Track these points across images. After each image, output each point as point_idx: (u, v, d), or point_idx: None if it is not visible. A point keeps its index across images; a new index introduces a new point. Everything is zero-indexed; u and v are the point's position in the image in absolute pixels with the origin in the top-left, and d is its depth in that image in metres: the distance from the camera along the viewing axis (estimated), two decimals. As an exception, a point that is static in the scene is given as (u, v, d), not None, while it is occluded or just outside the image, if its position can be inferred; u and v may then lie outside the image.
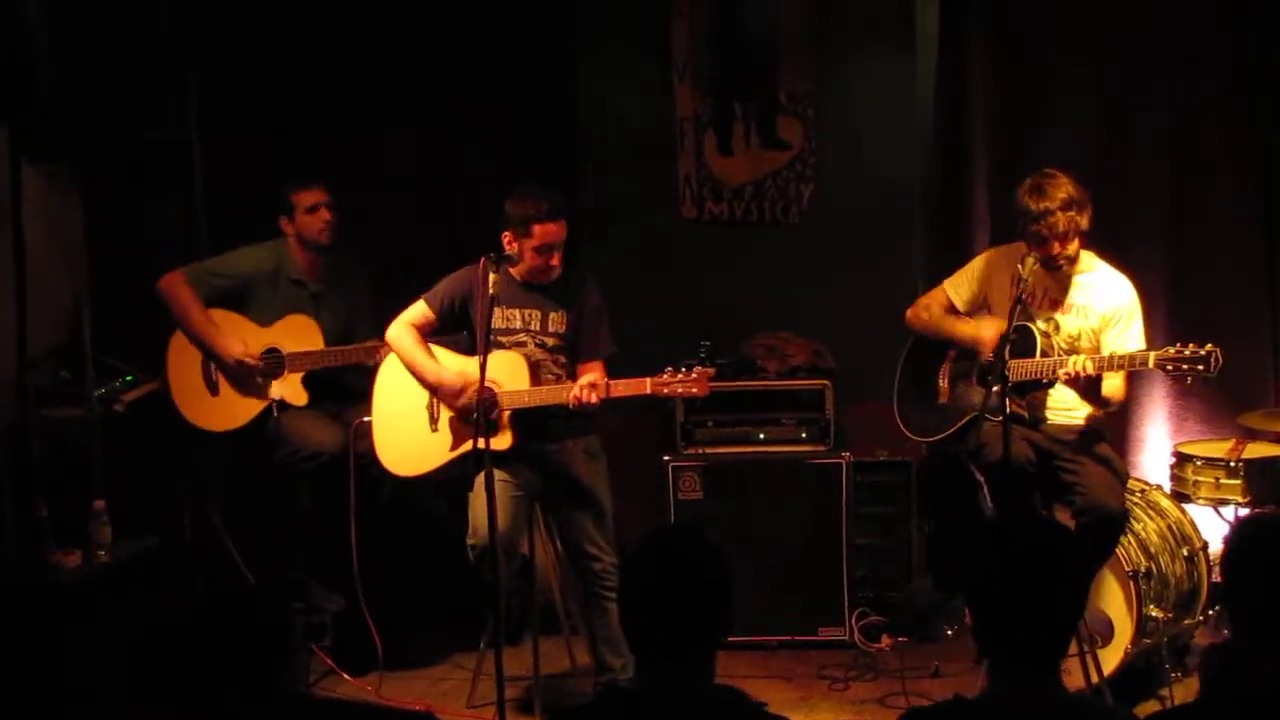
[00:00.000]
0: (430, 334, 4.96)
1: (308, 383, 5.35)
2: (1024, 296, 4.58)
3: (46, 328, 5.34)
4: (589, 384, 4.65)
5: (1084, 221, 4.68)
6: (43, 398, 5.23)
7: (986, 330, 4.88)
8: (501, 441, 4.69)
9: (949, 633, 5.58)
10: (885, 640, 5.57)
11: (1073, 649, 4.56)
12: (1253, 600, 2.76)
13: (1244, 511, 5.06)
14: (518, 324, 4.85)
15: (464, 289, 4.87)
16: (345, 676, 5.26)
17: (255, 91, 6.00)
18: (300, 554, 5.40)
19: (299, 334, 5.38)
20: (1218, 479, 5.11)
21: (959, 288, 5.05)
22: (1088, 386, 4.64)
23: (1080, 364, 4.53)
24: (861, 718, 5.01)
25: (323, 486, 5.26)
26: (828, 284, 6.19)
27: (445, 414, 4.91)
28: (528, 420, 4.77)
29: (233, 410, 5.37)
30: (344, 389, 5.35)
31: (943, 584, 5.71)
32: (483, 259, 4.62)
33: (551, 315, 4.87)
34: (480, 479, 4.49)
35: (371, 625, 5.16)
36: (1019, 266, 4.61)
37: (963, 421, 4.88)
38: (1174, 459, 5.35)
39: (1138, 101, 5.84)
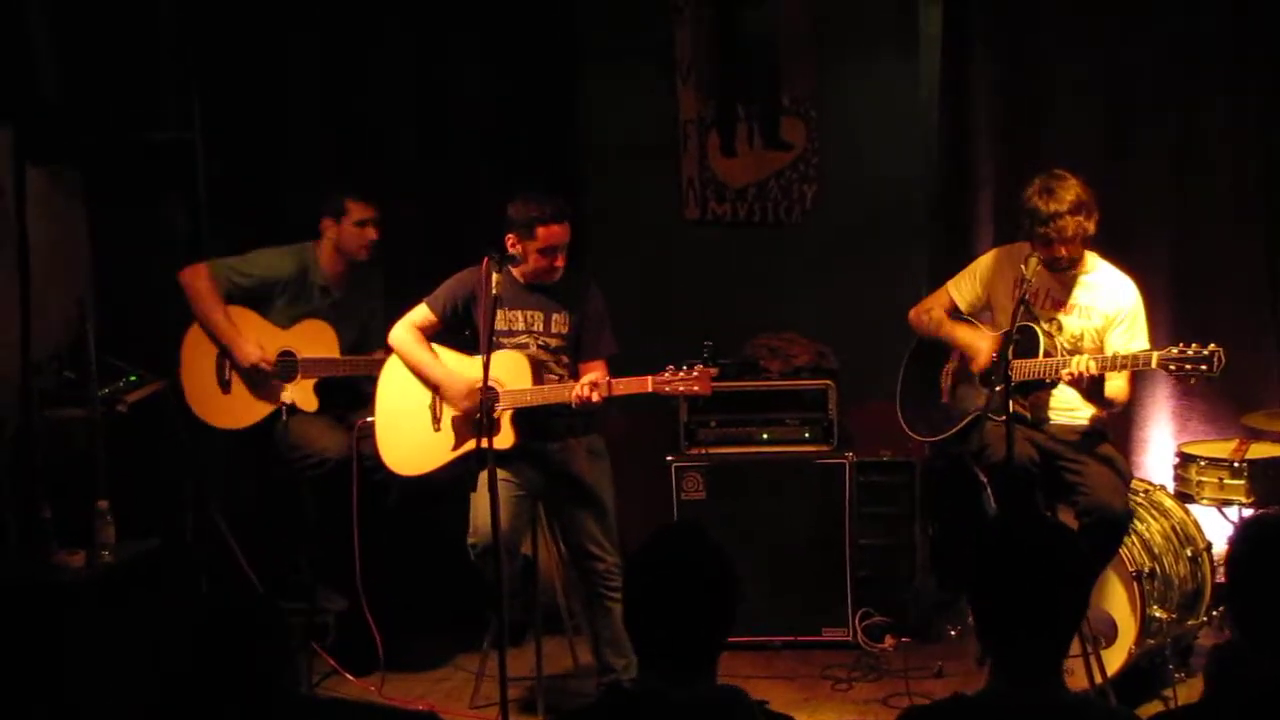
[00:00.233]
0: (432, 336, 4.96)
1: (319, 389, 5.36)
2: (1027, 297, 4.58)
3: (50, 329, 5.34)
4: (591, 382, 4.65)
5: (1091, 226, 4.68)
6: (46, 398, 5.23)
7: (982, 342, 4.88)
8: (503, 440, 4.69)
9: (952, 633, 5.58)
10: (888, 640, 5.57)
11: (1077, 649, 4.57)
12: (1257, 601, 2.76)
13: (1248, 512, 5.06)
14: (520, 325, 4.85)
15: (466, 291, 4.87)
16: (348, 677, 5.27)
17: (257, 93, 6.01)
18: (303, 555, 5.40)
19: (315, 339, 5.38)
20: (1221, 479, 5.10)
21: (962, 288, 5.05)
22: (1091, 387, 4.64)
23: (1083, 364, 4.52)
24: (865, 718, 5.00)
25: (327, 489, 5.26)
26: (831, 285, 6.19)
27: (448, 413, 4.91)
28: (530, 419, 4.77)
29: (243, 410, 5.39)
30: (356, 396, 5.35)
31: (946, 584, 5.71)
32: (485, 260, 4.61)
33: (554, 316, 4.87)
34: (483, 478, 4.50)
35: (373, 625, 5.16)
36: (1022, 267, 4.60)
37: (966, 422, 4.88)
38: (1177, 459, 5.34)
39: (1139, 102, 5.84)
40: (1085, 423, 4.83)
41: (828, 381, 5.65)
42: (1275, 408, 5.47)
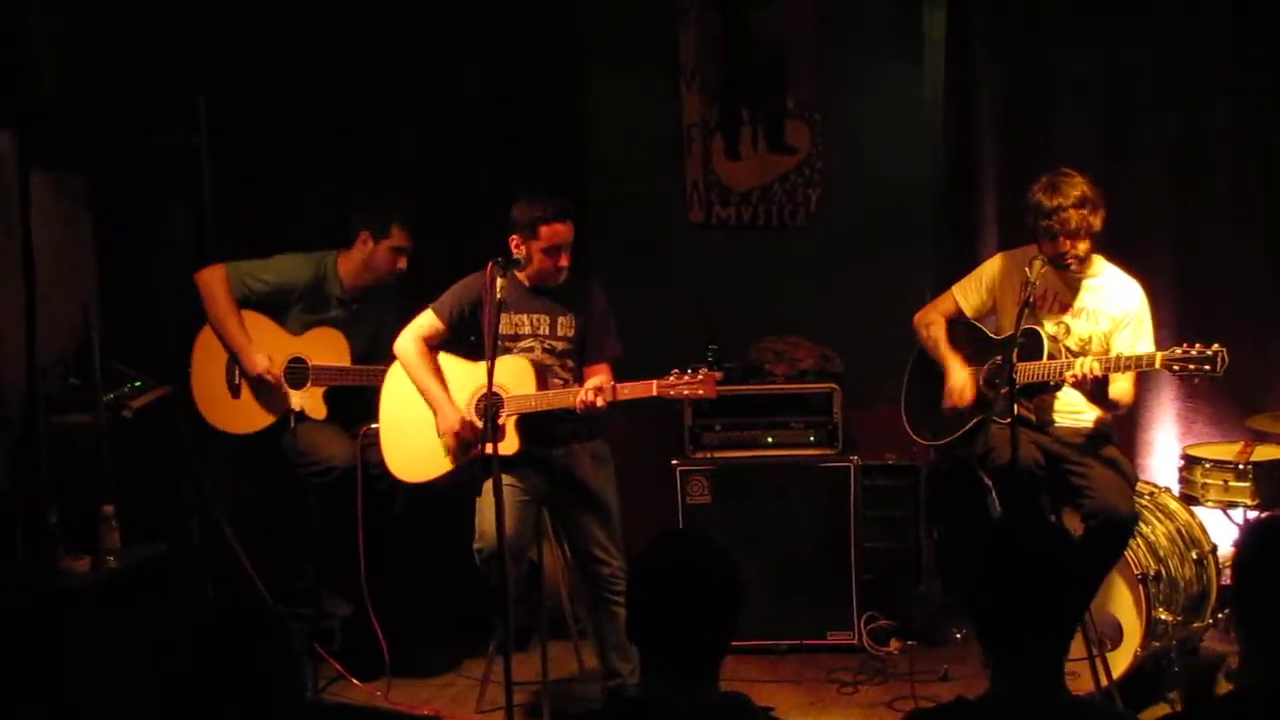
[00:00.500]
0: (440, 344, 4.96)
1: (328, 396, 5.36)
2: (1032, 300, 4.58)
3: (55, 334, 5.35)
4: (596, 387, 4.64)
5: (1096, 222, 4.68)
6: (52, 404, 5.23)
7: (960, 382, 4.88)
8: (508, 446, 4.69)
9: (958, 636, 5.57)
10: (894, 644, 5.57)
11: (1082, 652, 4.57)
12: (1263, 603, 2.75)
13: (1253, 514, 5.05)
14: (525, 329, 4.85)
15: (472, 296, 4.86)
16: (354, 682, 5.27)
17: (258, 94, 6.01)
18: (309, 561, 5.40)
19: (327, 347, 5.38)
20: (1226, 481, 5.10)
21: (967, 293, 5.05)
22: (1095, 389, 4.63)
23: (1087, 366, 4.52)
24: (870, 722, 5.02)
25: (333, 496, 5.26)
26: (835, 288, 6.19)
27: (453, 419, 4.92)
28: (534, 425, 4.77)
29: (251, 416, 5.38)
30: (366, 405, 5.34)
31: (951, 588, 5.70)
32: (489, 264, 4.60)
33: (560, 319, 4.87)
34: (488, 484, 4.50)
35: (379, 631, 5.17)
36: (1027, 270, 4.60)
37: (970, 425, 4.87)
38: (1182, 462, 5.34)
39: (1139, 102, 5.85)
40: (1090, 425, 4.82)
41: (832, 385, 5.65)
42: (1280, 410, 5.48)
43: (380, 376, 5.18)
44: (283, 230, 5.80)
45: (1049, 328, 4.78)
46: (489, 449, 4.42)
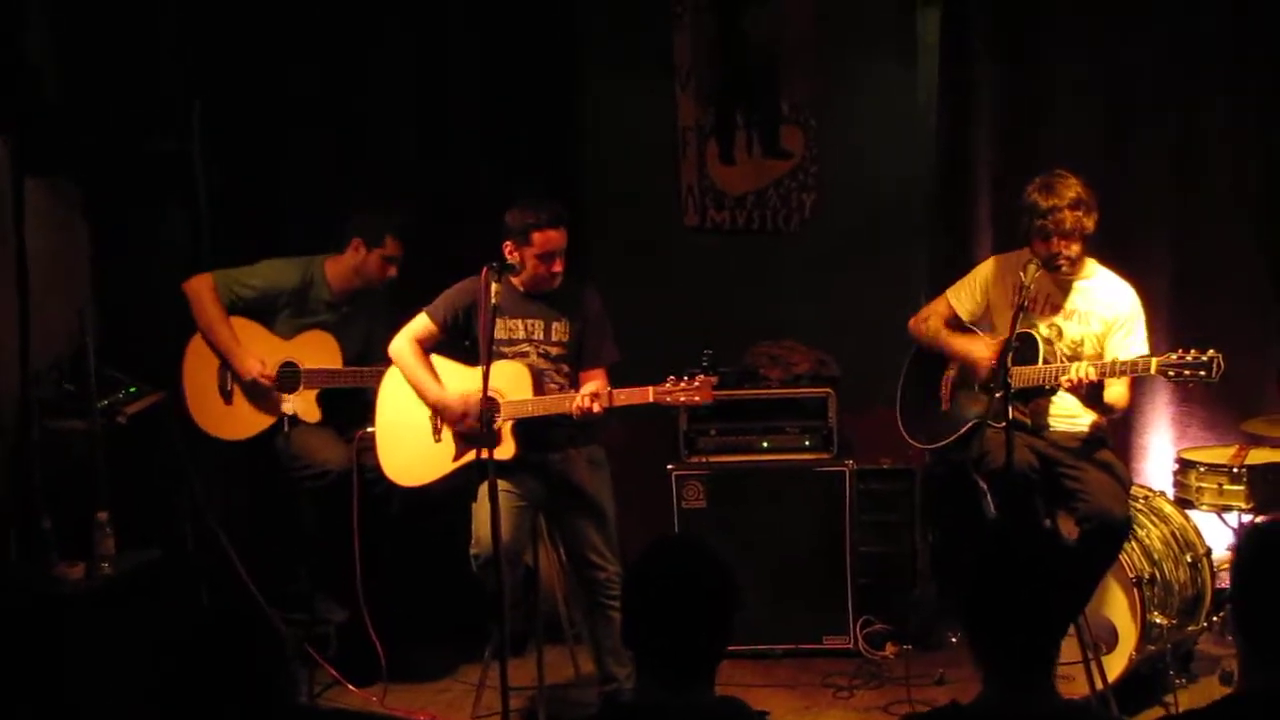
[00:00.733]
0: (433, 347, 4.96)
1: (322, 400, 5.36)
2: (1026, 304, 4.58)
3: (50, 340, 5.34)
4: (592, 393, 4.64)
5: (1090, 224, 4.68)
6: (46, 410, 5.23)
7: (982, 350, 4.87)
8: (504, 451, 4.69)
9: (953, 640, 5.56)
10: (890, 648, 5.57)
11: (1077, 656, 4.57)
12: (1261, 608, 2.75)
13: (1247, 518, 5.06)
14: (520, 334, 4.85)
15: (467, 300, 4.87)
16: (350, 687, 5.26)
17: (257, 96, 6.00)
18: (304, 566, 5.40)
19: (318, 350, 5.38)
20: (1221, 485, 5.11)
21: (961, 297, 5.05)
22: (1090, 393, 4.63)
23: (1083, 371, 4.53)
24: (866, 726, 5.01)
25: (327, 500, 5.26)
26: (830, 292, 6.19)
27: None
28: (530, 430, 4.77)
29: (244, 421, 5.38)
30: (360, 407, 5.34)
31: (947, 592, 5.70)
32: (484, 269, 4.60)
33: (554, 324, 4.87)
34: (484, 489, 4.50)
35: (375, 636, 5.16)
36: (1020, 273, 4.60)
37: (965, 429, 4.87)
38: (1177, 465, 5.34)
39: (1140, 102, 5.84)
40: (1085, 429, 4.83)
41: (828, 389, 5.65)
42: (1274, 413, 5.47)
43: (372, 377, 5.18)
44: (281, 233, 5.79)
45: (1041, 329, 4.78)
46: (485, 454, 4.42)
